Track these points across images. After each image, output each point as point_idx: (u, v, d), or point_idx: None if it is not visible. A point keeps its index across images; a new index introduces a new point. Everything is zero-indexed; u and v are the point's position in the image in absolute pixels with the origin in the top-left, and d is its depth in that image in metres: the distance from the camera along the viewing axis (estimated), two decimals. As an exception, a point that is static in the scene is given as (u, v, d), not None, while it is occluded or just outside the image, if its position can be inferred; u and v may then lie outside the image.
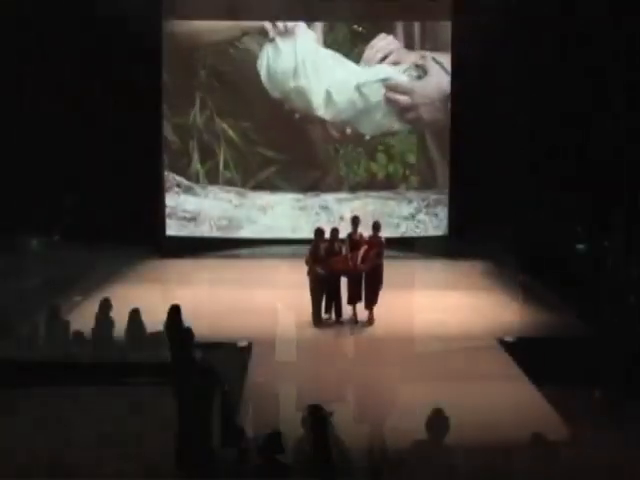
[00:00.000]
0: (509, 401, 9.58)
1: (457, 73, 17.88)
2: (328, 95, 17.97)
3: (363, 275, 12.41)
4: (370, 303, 12.56)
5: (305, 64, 17.97)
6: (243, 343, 11.61)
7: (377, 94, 18.07)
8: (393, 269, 16.18)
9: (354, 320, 12.58)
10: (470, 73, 17.40)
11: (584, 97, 16.62)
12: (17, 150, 16.22)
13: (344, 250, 12.37)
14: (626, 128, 15.87)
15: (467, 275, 16.00)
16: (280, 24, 17.89)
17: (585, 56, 16.59)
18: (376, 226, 12.69)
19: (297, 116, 18.01)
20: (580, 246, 15.52)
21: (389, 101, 18.10)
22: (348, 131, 18.15)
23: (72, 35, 16.53)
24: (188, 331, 8.69)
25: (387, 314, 13.07)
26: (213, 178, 18.14)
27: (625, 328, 11.06)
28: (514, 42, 16.92)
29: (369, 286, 12.48)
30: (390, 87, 18.07)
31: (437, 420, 5.86)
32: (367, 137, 18.19)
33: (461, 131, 17.75)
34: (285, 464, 5.68)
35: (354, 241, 12.43)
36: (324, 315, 12.51)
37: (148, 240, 17.22)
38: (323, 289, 12.37)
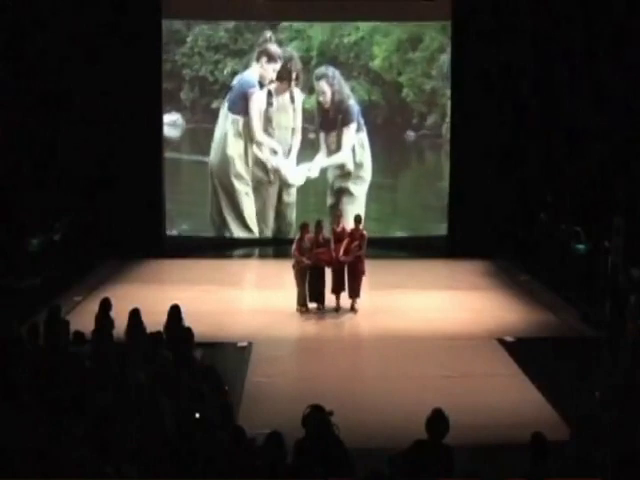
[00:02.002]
0: (509, 401, 9.59)
1: (457, 70, 17.93)
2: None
3: (346, 266, 12.97)
4: (353, 292, 13.12)
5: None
6: (243, 343, 11.63)
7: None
8: (393, 269, 16.31)
9: (337, 308, 13.17)
10: (470, 73, 17.45)
11: (583, 97, 16.65)
12: (20, 149, 16.25)
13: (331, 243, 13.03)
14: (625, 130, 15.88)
15: (467, 275, 15.99)
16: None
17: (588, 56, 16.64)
18: (358, 219, 13.30)
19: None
20: (580, 246, 15.52)
21: None
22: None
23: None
24: (188, 331, 8.69)
25: (387, 314, 13.12)
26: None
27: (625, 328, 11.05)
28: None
29: (351, 276, 13.07)
30: None
31: (437, 420, 5.85)
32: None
33: (462, 130, 17.76)
34: (285, 464, 5.68)
35: (337, 234, 13.05)
36: (309, 304, 13.08)
37: (148, 240, 17.23)
38: (308, 279, 12.99)
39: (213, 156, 18.03)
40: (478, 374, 10.50)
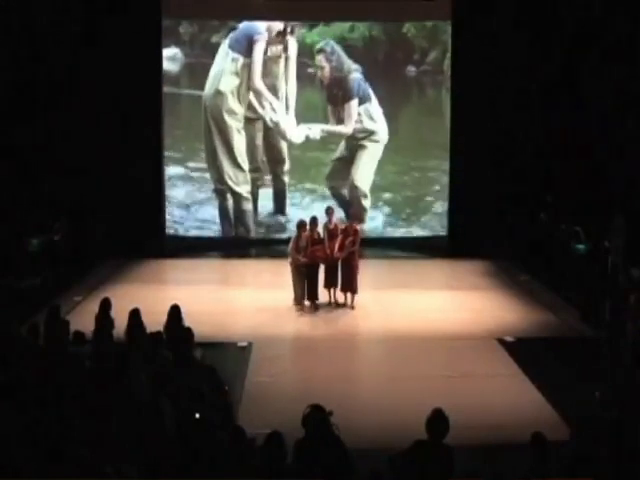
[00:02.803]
0: (509, 401, 9.58)
1: (458, 74, 17.91)
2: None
3: (340, 262, 13.16)
4: (350, 288, 13.25)
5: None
6: (243, 343, 11.63)
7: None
8: (393, 269, 16.31)
9: (333, 304, 13.36)
10: (470, 75, 17.44)
11: (584, 97, 16.64)
12: (18, 149, 16.23)
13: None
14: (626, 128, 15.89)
15: (467, 275, 15.99)
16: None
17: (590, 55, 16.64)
18: (353, 216, 13.72)
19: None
20: (580, 246, 15.52)
21: None
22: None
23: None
24: (188, 331, 8.68)
25: (387, 313, 13.12)
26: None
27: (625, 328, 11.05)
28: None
29: (346, 271, 13.20)
30: None
31: (437, 420, 5.85)
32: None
33: (461, 132, 17.75)
34: (285, 464, 5.68)
35: (330, 230, 13.21)
36: (306, 301, 13.23)
37: (148, 240, 17.22)
38: (305, 276, 13.15)
39: (207, 91, 17.82)
40: (478, 374, 10.49)
